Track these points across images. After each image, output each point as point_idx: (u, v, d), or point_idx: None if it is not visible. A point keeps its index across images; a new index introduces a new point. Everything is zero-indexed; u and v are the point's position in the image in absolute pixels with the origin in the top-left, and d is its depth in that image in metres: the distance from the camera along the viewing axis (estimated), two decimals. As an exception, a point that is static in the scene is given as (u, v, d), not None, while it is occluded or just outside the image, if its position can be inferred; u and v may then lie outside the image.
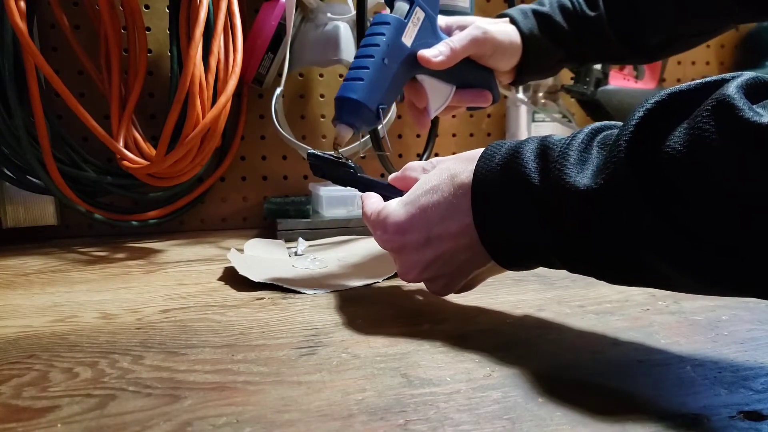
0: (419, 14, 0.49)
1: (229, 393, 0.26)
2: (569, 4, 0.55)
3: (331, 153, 0.46)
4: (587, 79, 0.87)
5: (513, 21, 0.54)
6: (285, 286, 0.44)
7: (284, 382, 0.27)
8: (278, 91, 0.72)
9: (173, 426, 0.23)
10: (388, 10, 0.75)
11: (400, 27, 0.48)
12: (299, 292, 0.43)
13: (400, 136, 0.90)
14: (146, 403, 0.25)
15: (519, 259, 0.33)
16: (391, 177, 0.43)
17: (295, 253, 0.58)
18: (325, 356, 0.31)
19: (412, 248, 0.36)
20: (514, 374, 0.28)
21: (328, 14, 0.73)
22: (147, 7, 0.76)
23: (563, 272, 0.31)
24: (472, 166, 0.33)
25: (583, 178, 0.27)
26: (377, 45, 0.46)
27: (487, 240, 0.33)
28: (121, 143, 0.62)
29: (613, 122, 0.30)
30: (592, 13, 0.54)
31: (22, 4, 0.55)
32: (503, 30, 0.52)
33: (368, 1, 0.69)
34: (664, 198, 0.24)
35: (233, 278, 0.48)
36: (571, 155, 0.29)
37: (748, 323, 0.35)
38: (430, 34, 0.50)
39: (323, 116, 0.86)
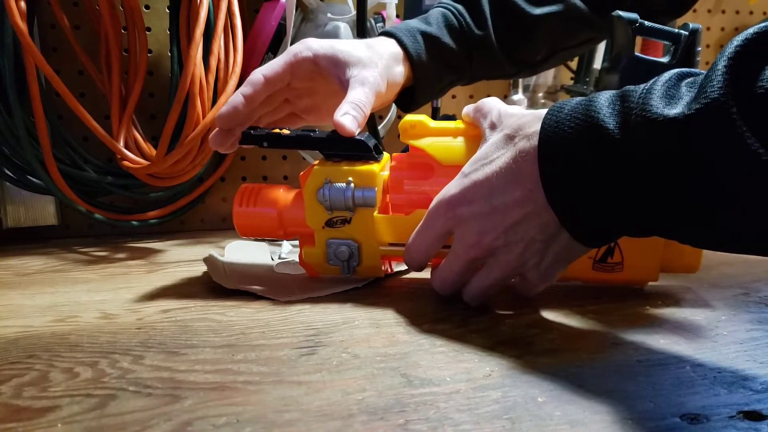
0: None
1: (230, 393, 0.26)
2: (456, 23, 0.52)
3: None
4: (587, 79, 0.88)
5: (400, 43, 0.49)
6: (259, 293, 0.43)
7: (284, 381, 0.28)
8: (278, 91, 0.72)
9: (173, 426, 0.23)
10: (387, 11, 0.75)
11: None
12: (274, 300, 0.42)
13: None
14: (146, 403, 0.26)
15: (594, 219, 0.31)
16: (464, 111, 0.43)
17: (279, 257, 0.57)
18: (325, 356, 0.31)
19: (472, 218, 0.35)
20: (513, 374, 0.28)
21: (328, 14, 0.73)
22: (147, 7, 0.76)
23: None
24: (537, 126, 0.33)
25: (672, 109, 0.26)
26: None
27: (555, 201, 0.32)
28: (122, 143, 0.62)
29: (697, 69, 0.29)
30: (479, 32, 0.52)
31: (23, 5, 0.55)
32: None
33: (368, 2, 0.69)
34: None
35: (233, 278, 0.48)
36: (656, 91, 0.28)
37: (748, 323, 0.35)
38: None
39: (323, 116, 0.86)
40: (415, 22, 0.51)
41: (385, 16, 0.74)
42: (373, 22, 0.74)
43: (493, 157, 0.35)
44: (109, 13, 0.62)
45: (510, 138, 0.35)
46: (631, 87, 0.29)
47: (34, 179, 0.67)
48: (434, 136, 0.43)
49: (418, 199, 0.41)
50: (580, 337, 0.34)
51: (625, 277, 0.41)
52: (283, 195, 0.46)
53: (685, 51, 0.48)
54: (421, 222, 0.39)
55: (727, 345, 0.31)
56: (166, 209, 0.74)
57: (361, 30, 0.68)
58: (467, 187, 0.36)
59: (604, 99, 0.30)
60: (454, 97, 0.92)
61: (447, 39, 0.51)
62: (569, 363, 0.29)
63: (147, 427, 0.23)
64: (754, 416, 0.23)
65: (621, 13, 0.48)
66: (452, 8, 0.53)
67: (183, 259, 0.59)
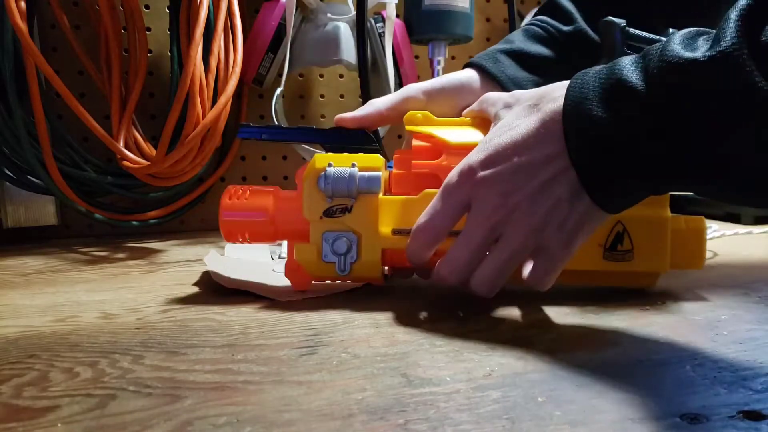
0: None
1: (230, 393, 0.26)
2: (539, 30, 0.53)
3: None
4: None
5: (482, 69, 0.50)
6: (258, 293, 0.42)
7: (284, 381, 0.28)
8: (278, 91, 0.72)
9: (173, 425, 0.23)
10: (387, 11, 0.75)
11: None
12: (274, 300, 0.42)
13: (399, 136, 0.90)
14: (146, 402, 0.25)
15: (611, 176, 0.31)
16: (466, 111, 0.42)
17: (279, 256, 0.57)
18: (325, 356, 0.31)
19: (495, 180, 0.34)
20: (513, 374, 0.28)
21: (328, 14, 0.73)
22: (147, 7, 0.76)
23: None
24: (561, 91, 0.33)
25: (690, 53, 0.28)
26: None
27: (575, 157, 0.32)
28: (122, 143, 0.63)
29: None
30: (567, 28, 0.53)
31: (23, 5, 0.56)
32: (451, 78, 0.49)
33: (368, 2, 0.69)
34: None
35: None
36: (674, 40, 0.29)
37: (748, 323, 0.35)
38: None
39: (323, 116, 0.86)
40: (495, 47, 0.53)
41: (385, 16, 0.74)
42: (373, 22, 0.74)
43: (517, 122, 0.35)
44: (109, 14, 0.63)
45: (534, 105, 0.35)
46: (653, 45, 0.30)
47: (34, 179, 0.67)
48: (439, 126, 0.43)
49: (425, 182, 0.40)
50: (580, 337, 0.34)
51: (636, 269, 0.40)
52: (275, 193, 0.43)
53: None
54: (434, 198, 0.36)
55: (727, 345, 0.31)
56: (166, 209, 0.75)
57: (361, 30, 0.68)
58: (490, 152, 0.34)
59: (628, 59, 0.31)
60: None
61: (533, 48, 0.52)
62: (569, 363, 0.29)
63: (147, 427, 0.23)
64: (754, 416, 0.23)
65: (612, 18, 0.49)
66: (536, 21, 0.54)
67: (183, 259, 0.59)
